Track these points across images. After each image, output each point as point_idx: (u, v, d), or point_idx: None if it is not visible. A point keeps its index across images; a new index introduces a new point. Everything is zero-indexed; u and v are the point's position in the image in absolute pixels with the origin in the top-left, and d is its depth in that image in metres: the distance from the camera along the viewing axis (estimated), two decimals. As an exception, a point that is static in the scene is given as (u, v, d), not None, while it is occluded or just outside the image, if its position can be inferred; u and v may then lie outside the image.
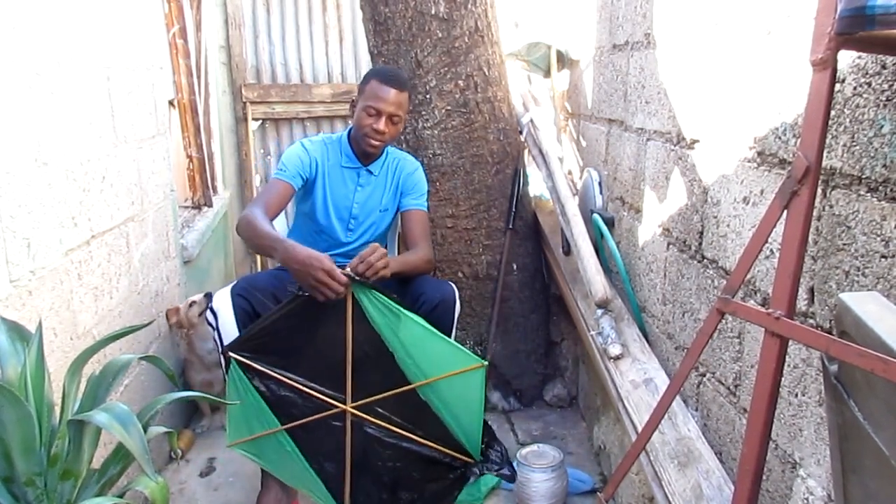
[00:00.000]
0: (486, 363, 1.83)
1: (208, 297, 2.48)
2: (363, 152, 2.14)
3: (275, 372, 1.79)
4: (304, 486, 1.91)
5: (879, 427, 0.77)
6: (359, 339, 1.79)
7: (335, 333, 1.77)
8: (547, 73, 3.28)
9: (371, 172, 2.18)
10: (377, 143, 2.07)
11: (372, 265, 1.73)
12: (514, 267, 2.71)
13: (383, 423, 1.85)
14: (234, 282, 1.99)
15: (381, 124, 2.03)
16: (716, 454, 1.52)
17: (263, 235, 1.84)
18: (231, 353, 1.77)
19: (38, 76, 1.55)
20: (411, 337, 1.78)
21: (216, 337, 1.93)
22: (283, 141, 4.68)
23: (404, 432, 1.87)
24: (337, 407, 1.82)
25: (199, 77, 3.45)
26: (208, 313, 1.97)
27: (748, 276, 1.36)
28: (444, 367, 1.81)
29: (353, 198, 2.17)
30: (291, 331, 1.77)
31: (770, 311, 1.05)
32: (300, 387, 1.81)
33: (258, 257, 4.33)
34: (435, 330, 1.81)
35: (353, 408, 1.83)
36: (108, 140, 1.97)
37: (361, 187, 2.18)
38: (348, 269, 1.72)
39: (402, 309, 1.77)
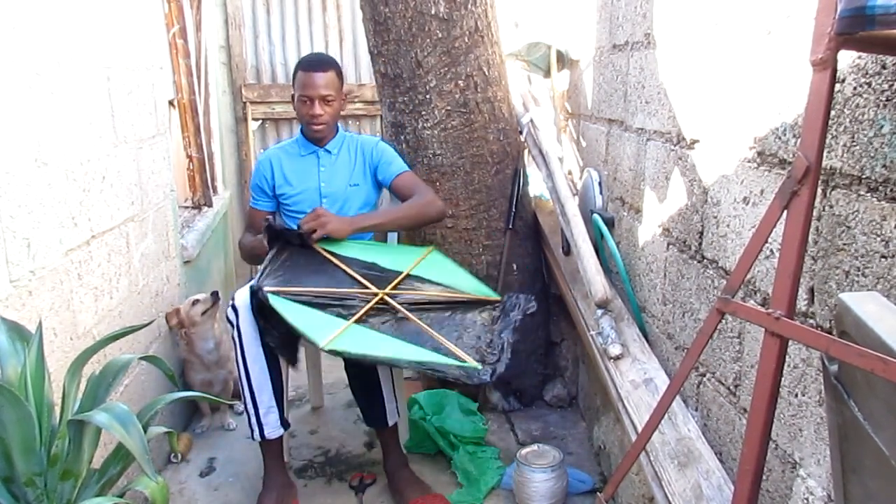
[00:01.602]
0: (432, 246, 2.24)
1: (214, 295, 2.49)
2: (314, 138, 2.30)
3: (307, 289, 1.90)
4: (412, 353, 1.81)
5: (879, 427, 0.77)
6: (346, 259, 2.04)
7: (324, 264, 2.02)
8: (547, 73, 3.27)
9: (329, 152, 2.32)
10: (319, 125, 2.23)
11: (306, 227, 2.00)
12: (514, 267, 2.71)
13: (417, 291, 2.02)
14: (252, 280, 2.05)
15: (316, 108, 2.19)
16: (716, 454, 1.52)
17: (255, 246, 2.14)
18: (264, 288, 1.84)
19: (38, 76, 1.55)
20: (372, 250, 2.15)
21: (235, 335, 2.00)
22: (283, 141, 4.67)
23: (436, 293, 2.04)
24: (373, 293, 1.95)
25: (199, 77, 3.45)
26: (229, 311, 2.03)
27: (748, 276, 1.36)
28: (408, 259, 2.14)
29: (319, 178, 2.31)
30: (295, 262, 1.99)
31: (770, 311, 1.05)
32: (335, 291, 1.92)
33: (258, 257, 4.33)
34: (374, 242, 2.26)
35: (385, 293, 1.97)
36: (108, 140, 1.97)
37: (324, 167, 2.32)
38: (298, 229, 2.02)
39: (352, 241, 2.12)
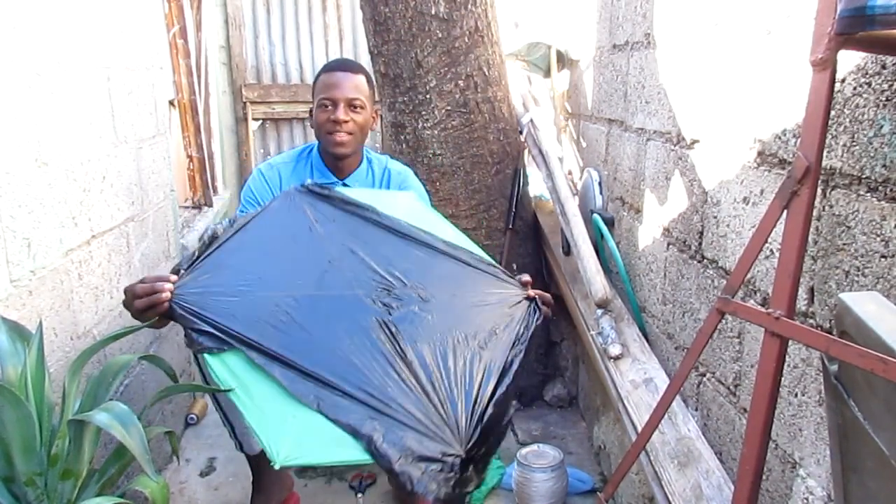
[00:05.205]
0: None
1: None
2: (335, 162, 1.88)
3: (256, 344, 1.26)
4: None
5: (879, 427, 0.77)
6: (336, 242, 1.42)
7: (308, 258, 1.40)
8: (547, 73, 3.28)
9: (349, 188, 1.82)
10: (341, 136, 1.80)
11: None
12: (514, 267, 2.70)
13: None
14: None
15: (340, 112, 1.77)
16: (716, 454, 1.52)
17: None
18: (174, 300, 1.30)
19: (39, 76, 1.55)
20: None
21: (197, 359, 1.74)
22: (283, 141, 4.68)
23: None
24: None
25: (199, 77, 3.45)
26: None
27: (748, 276, 1.36)
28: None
29: None
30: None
31: (770, 311, 1.05)
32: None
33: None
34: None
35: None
36: (109, 140, 1.97)
37: None
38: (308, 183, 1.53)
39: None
